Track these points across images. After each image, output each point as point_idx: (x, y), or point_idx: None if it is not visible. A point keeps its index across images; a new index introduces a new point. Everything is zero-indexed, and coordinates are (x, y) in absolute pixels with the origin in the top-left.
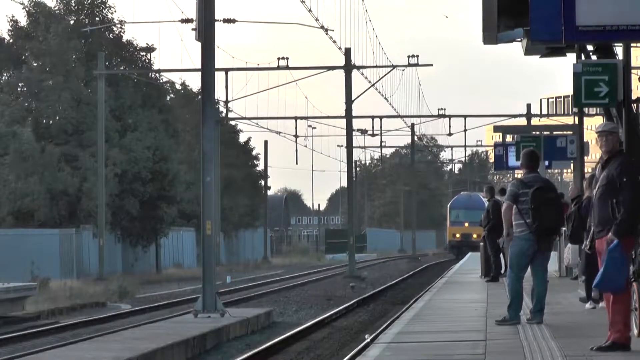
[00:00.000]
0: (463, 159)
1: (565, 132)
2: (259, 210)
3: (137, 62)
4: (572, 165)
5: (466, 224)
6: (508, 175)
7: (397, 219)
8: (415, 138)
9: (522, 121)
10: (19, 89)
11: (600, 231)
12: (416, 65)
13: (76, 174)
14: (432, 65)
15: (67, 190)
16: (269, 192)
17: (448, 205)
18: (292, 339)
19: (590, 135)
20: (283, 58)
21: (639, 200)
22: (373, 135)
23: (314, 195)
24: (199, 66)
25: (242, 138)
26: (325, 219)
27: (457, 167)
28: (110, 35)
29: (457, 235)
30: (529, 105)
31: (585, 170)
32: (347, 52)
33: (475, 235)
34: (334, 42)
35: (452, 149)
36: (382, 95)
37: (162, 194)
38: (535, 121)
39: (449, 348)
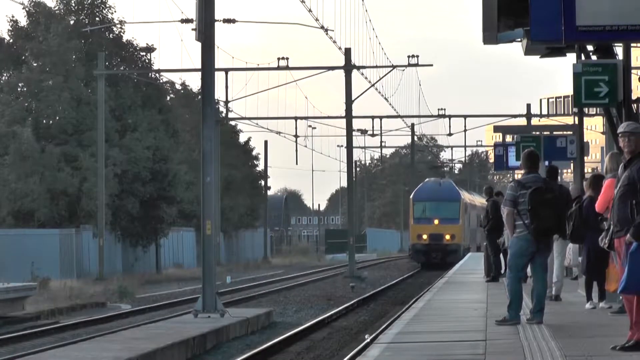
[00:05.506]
0: (463, 159)
1: (565, 132)
2: (259, 210)
3: (137, 62)
4: (572, 165)
5: (436, 221)
6: (508, 175)
7: (397, 219)
8: (415, 138)
9: (522, 121)
10: (19, 89)
11: (618, 231)
12: (416, 65)
13: (76, 174)
14: (432, 65)
15: (67, 190)
16: (269, 192)
17: (410, 197)
18: (292, 339)
19: (590, 136)
20: (283, 58)
21: None
22: (373, 135)
23: (314, 195)
24: (199, 66)
25: (242, 138)
26: (325, 219)
27: (457, 167)
28: (110, 35)
29: (424, 237)
30: (529, 105)
31: (586, 171)
32: (347, 52)
33: (448, 237)
34: (334, 42)
35: (452, 149)
36: (382, 95)
37: (162, 194)
38: (535, 121)
39: (449, 348)
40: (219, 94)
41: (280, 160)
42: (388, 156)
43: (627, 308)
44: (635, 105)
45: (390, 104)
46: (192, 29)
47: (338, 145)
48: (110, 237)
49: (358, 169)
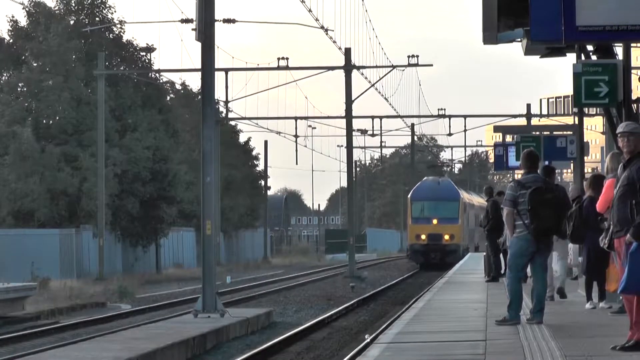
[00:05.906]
0: (463, 159)
1: (565, 132)
2: (259, 210)
3: (137, 62)
4: (572, 165)
5: (434, 221)
6: (508, 175)
7: (397, 219)
8: (415, 138)
9: (522, 121)
10: (19, 89)
11: (618, 231)
12: (416, 65)
13: (76, 174)
14: (432, 65)
15: (67, 190)
16: (269, 192)
17: (409, 196)
18: (292, 339)
19: (590, 136)
20: (283, 58)
21: None
22: (373, 135)
23: (314, 195)
24: (199, 66)
25: (242, 138)
26: (325, 219)
27: (457, 167)
28: (110, 35)
29: (422, 237)
30: (529, 105)
31: (586, 171)
32: (347, 52)
33: (447, 237)
34: (334, 42)
35: (452, 149)
36: (382, 95)
37: (162, 194)
38: (535, 121)
39: (449, 348)
40: (219, 94)
41: (280, 160)
42: (388, 156)
43: (627, 308)
44: (635, 105)
45: (390, 104)
46: (192, 29)
47: (338, 145)
48: (110, 237)
49: (358, 169)
